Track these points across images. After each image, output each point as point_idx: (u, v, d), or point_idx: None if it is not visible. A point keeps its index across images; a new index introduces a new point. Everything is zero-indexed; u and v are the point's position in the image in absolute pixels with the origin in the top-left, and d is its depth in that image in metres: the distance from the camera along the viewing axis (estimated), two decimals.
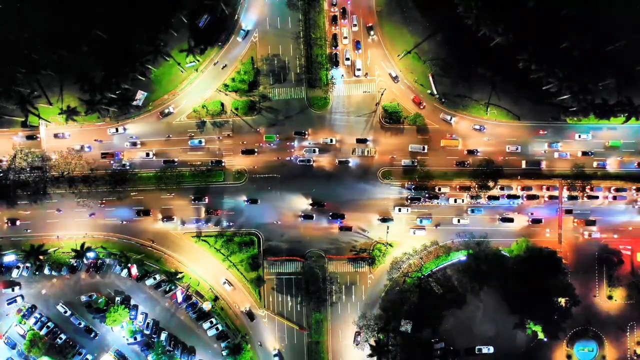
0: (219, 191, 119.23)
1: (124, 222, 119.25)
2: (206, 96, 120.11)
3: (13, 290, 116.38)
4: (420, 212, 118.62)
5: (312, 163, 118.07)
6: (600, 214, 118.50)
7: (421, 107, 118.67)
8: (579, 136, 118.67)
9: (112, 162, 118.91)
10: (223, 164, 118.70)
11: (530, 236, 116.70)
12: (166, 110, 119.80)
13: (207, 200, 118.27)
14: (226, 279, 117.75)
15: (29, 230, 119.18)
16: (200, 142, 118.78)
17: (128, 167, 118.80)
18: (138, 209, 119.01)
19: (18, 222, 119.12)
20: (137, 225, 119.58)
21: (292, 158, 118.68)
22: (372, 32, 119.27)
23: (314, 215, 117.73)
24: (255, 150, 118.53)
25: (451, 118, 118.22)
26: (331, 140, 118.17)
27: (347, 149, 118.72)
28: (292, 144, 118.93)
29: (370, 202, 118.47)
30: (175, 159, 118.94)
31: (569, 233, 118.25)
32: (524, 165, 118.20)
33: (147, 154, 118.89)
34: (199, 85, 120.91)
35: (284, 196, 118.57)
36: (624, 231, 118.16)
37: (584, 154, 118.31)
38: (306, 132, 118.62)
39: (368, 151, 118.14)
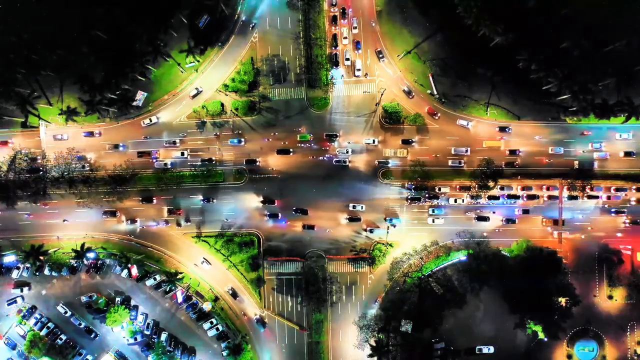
0: (219, 192, 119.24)
1: (65, 221, 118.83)
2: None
3: (22, 290, 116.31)
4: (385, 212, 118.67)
5: (348, 164, 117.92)
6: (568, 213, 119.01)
7: (436, 117, 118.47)
8: (620, 136, 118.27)
9: (154, 161, 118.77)
10: (258, 163, 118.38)
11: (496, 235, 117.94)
12: (192, 93, 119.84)
13: (155, 201, 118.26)
14: (204, 258, 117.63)
15: None
16: (240, 141, 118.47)
17: (170, 167, 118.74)
18: (106, 209, 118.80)
19: None
20: (107, 225, 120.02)
21: (325, 158, 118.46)
22: (381, 56, 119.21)
23: (280, 214, 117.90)
24: (291, 150, 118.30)
25: (468, 123, 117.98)
26: (373, 141, 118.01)
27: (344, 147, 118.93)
28: (333, 144, 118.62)
29: (370, 203, 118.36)
30: (213, 158, 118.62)
31: (538, 232, 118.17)
32: (576, 166, 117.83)
33: (182, 153, 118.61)
34: (221, 63, 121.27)
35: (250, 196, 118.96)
36: (586, 230, 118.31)
37: (627, 154, 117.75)
38: (338, 135, 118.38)
39: (401, 152, 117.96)
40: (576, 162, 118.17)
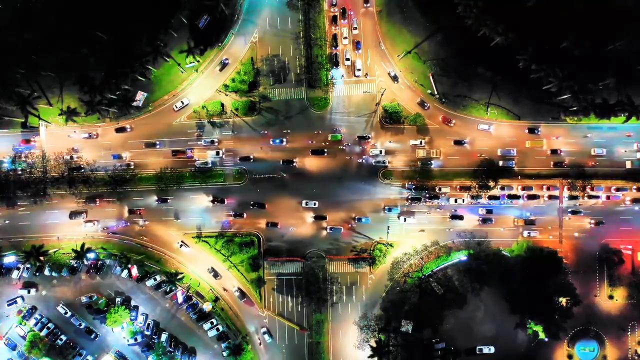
0: (218, 192, 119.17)
1: (7, 222, 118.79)
2: (206, 96, 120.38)
3: (29, 292, 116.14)
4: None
5: (387, 164, 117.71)
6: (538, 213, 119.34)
7: (450, 124, 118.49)
8: None
9: (196, 160, 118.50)
10: (294, 164, 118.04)
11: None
12: (218, 67, 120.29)
13: (97, 202, 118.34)
14: (182, 241, 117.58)
15: None
16: (282, 141, 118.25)
17: (210, 166, 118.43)
18: (73, 210, 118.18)
19: None
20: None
21: (363, 160, 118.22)
22: (394, 76, 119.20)
23: (244, 213, 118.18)
24: (325, 150, 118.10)
25: (490, 127, 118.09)
26: (421, 142, 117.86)
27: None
28: (371, 143, 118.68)
29: (370, 203, 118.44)
30: (251, 156, 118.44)
31: (510, 232, 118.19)
32: (628, 166, 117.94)
33: (217, 153, 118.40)
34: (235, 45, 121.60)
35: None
36: (545, 230, 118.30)
37: None
38: (370, 136, 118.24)
39: (435, 152, 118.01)
40: (628, 162, 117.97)
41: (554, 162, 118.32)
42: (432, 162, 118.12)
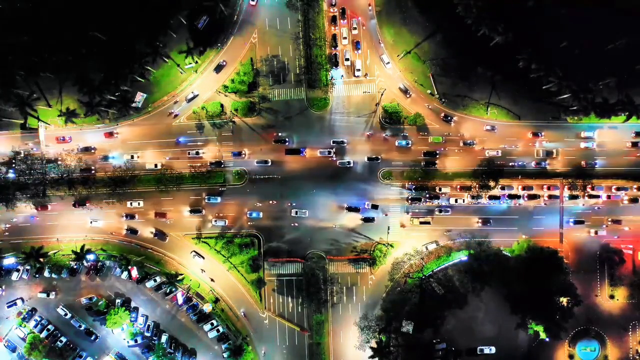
0: (218, 193, 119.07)
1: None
2: (205, 97, 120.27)
3: (48, 295, 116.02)
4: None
5: (546, 166, 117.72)
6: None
7: (540, 136, 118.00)
8: None
9: (336, 160, 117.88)
10: (436, 165, 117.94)
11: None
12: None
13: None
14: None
15: None
16: (408, 143, 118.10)
17: (351, 165, 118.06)
18: None
19: None
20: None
21: (518, 164, 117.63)
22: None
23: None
24: (437, 152, 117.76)
25: (594, 133, 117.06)
26: (589, 138, 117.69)
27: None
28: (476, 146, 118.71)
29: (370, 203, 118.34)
30: (379, 156, 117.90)
31: (404, 232, 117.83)
32: None
33: (328, 152, 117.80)
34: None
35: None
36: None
37: None
38: (475, 142, 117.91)
39: (555, 151, 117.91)
40: None
41: None
42: (597, 162, 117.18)
